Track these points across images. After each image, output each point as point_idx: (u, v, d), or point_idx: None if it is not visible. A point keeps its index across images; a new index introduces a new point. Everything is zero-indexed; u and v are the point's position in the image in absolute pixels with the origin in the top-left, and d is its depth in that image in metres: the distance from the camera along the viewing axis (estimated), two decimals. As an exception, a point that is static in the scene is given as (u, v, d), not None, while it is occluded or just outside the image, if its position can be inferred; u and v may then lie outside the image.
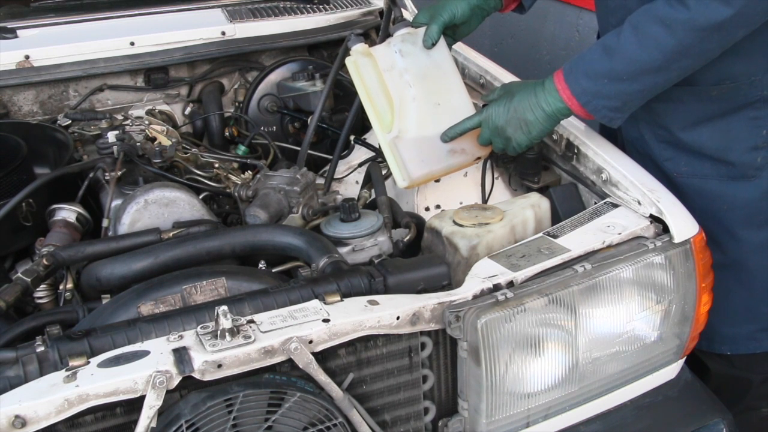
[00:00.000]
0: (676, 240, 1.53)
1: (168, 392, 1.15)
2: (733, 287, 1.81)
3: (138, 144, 1.85)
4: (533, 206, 1.70)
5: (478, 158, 1.87)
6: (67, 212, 1.70)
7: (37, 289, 1.56)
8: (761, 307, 1.88)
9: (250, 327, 1.22)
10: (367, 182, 1.98)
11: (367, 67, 1.77)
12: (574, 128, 1.80)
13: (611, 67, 1.57)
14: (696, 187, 1.81)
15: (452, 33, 1.86)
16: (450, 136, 1.74)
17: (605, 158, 1.70)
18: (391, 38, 1.83)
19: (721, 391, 1.72)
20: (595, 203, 1.68)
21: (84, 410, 1.12)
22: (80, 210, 1.71)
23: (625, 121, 1.95)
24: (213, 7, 2.47)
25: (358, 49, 1.80)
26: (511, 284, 1.42)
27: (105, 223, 1.68)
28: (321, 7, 2.47)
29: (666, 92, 1.79)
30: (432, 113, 1.79)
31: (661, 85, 1.62)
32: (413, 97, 1.77)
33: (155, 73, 2.30)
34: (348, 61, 1.80)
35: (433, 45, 1.77)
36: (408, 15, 2.24)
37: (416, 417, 1.42)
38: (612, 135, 1.97)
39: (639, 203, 1.59)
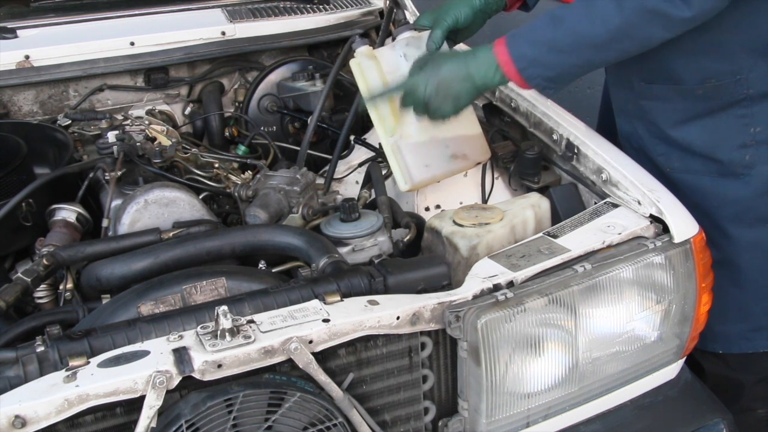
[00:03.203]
0: (676, 240, 1.53)
1: (168, 392, 1.15)
2: (725, 285, 1.81)
3: (138, 144, 1.85)
4: (533, 206, 1.70)
5: (478, 163, 1.88)
6: (67, 212, 1.70)
7: (37, 289, 1.56)
8: (753, 306, 1.88)
9: (250, 327, 1.22)
10: (367, 182, 1.98)
11: (371, 69, 1.77)
12: (574, 128, 1.80)
13: (554, 36, 1.57)
14: (688, 182, 1.82)
15: (454, 36, 1.86)
16: (371, 99, 1.74)
17: (605, 158, 1.70)
18: (396, 41, 1.83)
19: (716, 393, 1.72)
20: (595, 203, 1.68)
21: (84, 410, 1.12)
22: (80, 210, 1.71)
23: (619, 117, 1.97)
24: (213, 7, 2.47)
25: (363, 51, 1.80)
26: (511, 284, 1.41)
27: (105, 223, 1.68)
28: (321, 7, 2.47)
29: (653, 91, 1.80)
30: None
31: (598, 64, 1.64)
32: None
33: (155, 73, 2.30)
34: (352, 63, 1.80)
35: (437, 50, 1.78)
36: (408, 15, 2.24)
37: (416, 417, 1.42)
38: (612, 134, 1.97)
39: (639, 203, 1.59)
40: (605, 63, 1.65)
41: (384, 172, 1.92)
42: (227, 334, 1.19)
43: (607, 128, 2.12)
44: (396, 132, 1.77)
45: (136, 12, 2.38)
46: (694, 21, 1.52)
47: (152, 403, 1.14)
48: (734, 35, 1.66)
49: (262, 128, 2.26)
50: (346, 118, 2.02)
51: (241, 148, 2.18)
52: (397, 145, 1.76)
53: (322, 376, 1.25)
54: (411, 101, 1.68)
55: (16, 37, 2.20)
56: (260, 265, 1.60)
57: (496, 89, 2.03)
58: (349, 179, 2.06)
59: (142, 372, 1.14)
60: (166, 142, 1.94)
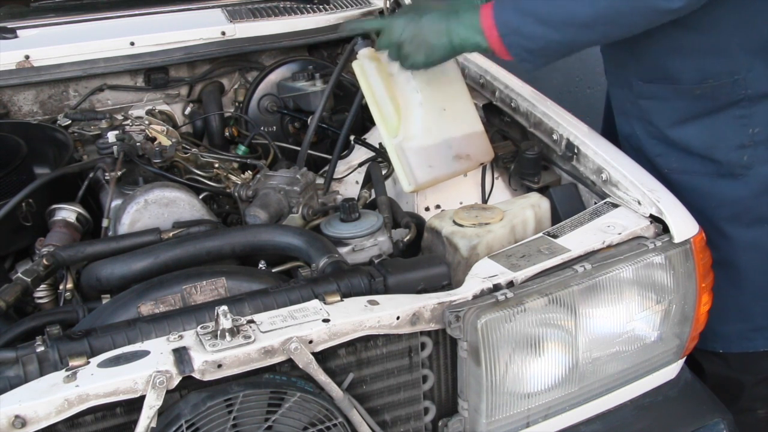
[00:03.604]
0: (676, 240, 1.53)
1: (168, 392, 1.15)
2: (724, 285, 1.81)
3: (138, 144, 1.85)
4: (533, 206, 1.70)
5: (482, 164, 1.88)
6: (67, 212, 1.70)
7: (37, 289, 1.56)
8: (752, 306, 1.88)
9: (250, 327, 1.22)
10: (367, 182, 1.98)
11: (373, 71, 1.77)
12: (574, 128, 1.80)
13: (543, 8, 1.57)
14: (686, 183, 1.82)
15: None
16: (348, 28, 1.76)
17: (605, 158, 1.70)
18: None
19: (716, 393, 1.73)
20: (595, 203, 1.68)
21: (84, 410, 1.12)
22: (80, 210, 1.71)
23: (619, 117, 1.97)
24: (213, 7, 2.47)
25: (365, 53, 1.80)
26: (511, 284, 1.41)
27: (105, 223, 1.68)
28: (321, 7, 2.47)
29: (651, 90, 1.80)
30: (438, 118, 1.79)
31: (581, 44, 1.64)
32: (420, 102, 1.77)
33: (155, 73, 2.30)
34: (354, 64, 1.80)
35: None
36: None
37: (416, 417, 1.42)
38: (612, 135, 1.97)
39: (639, 203, 1.59)
40: (588, 44, 1.65)
41: (384, 172, 1.92)
42: (227, 334, 1.19)
43: (612, 130, 2.12)
44: (399, 133, 1.77)
45: (136, 12, 2.38)
46: (681, 12, 1.52)
47: (152, 403, 1.14)
48: (733, 35, 1.66)
49: (262, 128, 2.26)
50: (346, 118, 2.02)
51: (241, 148, 2.17)
52: (400, 146, 1.76)
53: (322, 376, 1.25)
54: (386, 42, 1.70)
55: (16, 37, 2.20)
56: (260, 265, 1.60)
57: (496, 89, 2.03)
58: (349, 179, 2.06)
59: (142, 372, 1.14)
60: (166, 142, 1.94)
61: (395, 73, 1.77)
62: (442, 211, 1.80)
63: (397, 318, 1.31)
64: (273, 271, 1.61)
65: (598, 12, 1.53)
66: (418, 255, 1.68)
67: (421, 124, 1.77)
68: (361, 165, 2.05)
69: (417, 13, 1.67)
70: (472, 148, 1.84)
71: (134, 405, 1.16)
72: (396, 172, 1.81)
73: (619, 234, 1.53)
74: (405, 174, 1.77)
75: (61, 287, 1.58)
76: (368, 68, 1.78)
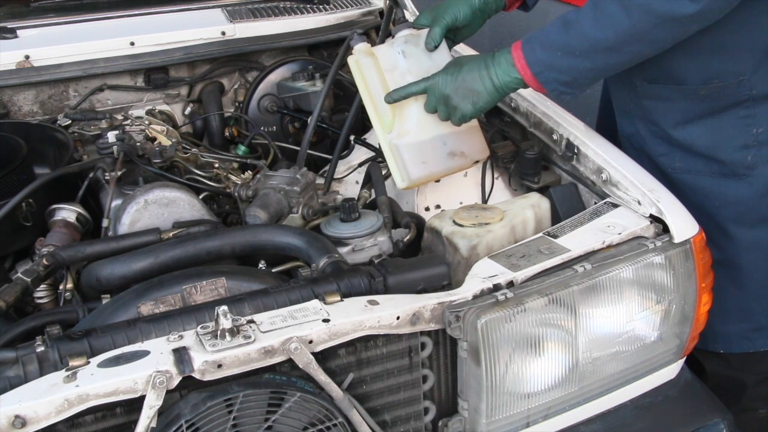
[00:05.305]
0: (676, 240, 1.53)
1: (168, 392, 1.15)
2: (726, 285, 1.82)
3: (138, 144, 1.85)
4: (533, 206, 1.70)
5: (477, 162, 1.87)
6: (67, 212, 1.70)
7: (37, 289, 1.56)
8: (754, 306, 1.88)
9: (250, 327, 1.22)
10: (367, 182, 1.98)
11: (369, 66, 1.77)
12: (574, 128, 1.80)
13: (566, 40, 1.58)
14: (689, 183, 1.82)
15: (453, 35, 1.86)
16: (393, 98, 1.74)
17: (605, 158, 1.70)
18: (394, 39, 1.83)
19: (717, 393, 1.73)
20: (595, 203, 1.68)
21: (84, 410, 1.12)
22: (80, 210, 1.71)
23: (621, 117, 1.97)
24: (213, 7, 2.47)
25: (361, 48, 1.80)
26: (511, 284, 1.42)
27: (105, 223, 1.68)
28: (321, 7, 2.47)
29: (655, 91, 1.80)
30: (433, 115, 1.79)
31: (613, 67, 1.65)
32: (415, 98, 1.77)
33: (155, 73, 2.30)
34: (350, 60, 1.80)
35: (436, 48, 1.78)
36: (408, 15, 2.24)
37: (416, 417, 1.42)
38: (611, 134, 1.97)
39: (639, 203, 1.59)
40: (621, 65, 1.64)
41: (384, 172, 1.92)
42: (227, 334, 1.19)
43: (607, 128, 2.12)
44: (393, 129, 1.77)
45: (136, 12, 2.38)
46: (701, 17, 1.51)
47: (152, 403, 1.14)
48: (739, 36, 1.66)
49: (262, 128, 2.26)
50: (346, 118, 2.02)
51: (241, 148, 2.17)
52: (394, 142, 1.76)
53: (322, 376, 1.25)
54: (433, 100, 1.71)
55: (16, 37, 2.20)
56: (260, 265, 1.60)
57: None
58: (349, 179, 2.06)
59: (142, 372, 1.14)
60: (166, 142, 1.94)
61: (391, 69, 1.77)
62: (442, 211, 1.80)
63: (397, 318, 1.31)
64: (273, 271, 1.61)
65: (620, 34, 1.53)
66: (418, 255, 1.68)
67: (415, 121, 1.77)
68: (361, 165, 2.05)
69: (456, 66, 1.69)
70: (467, 145, 1.83)
71: (134, 405, 1.16)
72: (390, 169, 1.80)
73: (619, 234, 1.53)
74: (398, 170, 1.77)
75: (61, 287, 1.58)
76: (364, 63, 1.78)
